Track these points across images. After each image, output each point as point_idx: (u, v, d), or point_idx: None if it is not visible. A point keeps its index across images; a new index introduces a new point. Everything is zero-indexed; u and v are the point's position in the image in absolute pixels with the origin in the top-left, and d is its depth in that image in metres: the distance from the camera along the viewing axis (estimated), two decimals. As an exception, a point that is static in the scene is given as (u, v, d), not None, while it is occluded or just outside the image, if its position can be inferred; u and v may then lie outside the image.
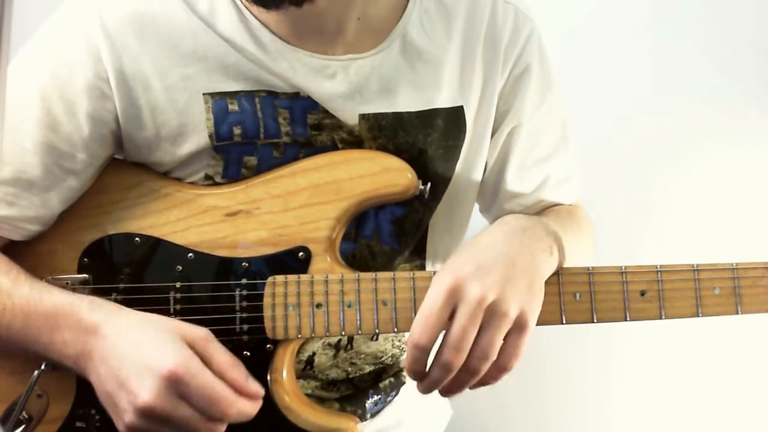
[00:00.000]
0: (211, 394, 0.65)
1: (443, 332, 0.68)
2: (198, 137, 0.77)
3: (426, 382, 0.70)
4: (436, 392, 0.98)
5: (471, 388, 0.71)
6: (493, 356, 0.67)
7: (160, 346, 0.66)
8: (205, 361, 0.66)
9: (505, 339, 0.68)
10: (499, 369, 0.69)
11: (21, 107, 0.75)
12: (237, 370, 0.68)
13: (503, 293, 0.66)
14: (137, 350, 0.66)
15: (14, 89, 0.72)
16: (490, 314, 0.66)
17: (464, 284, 0.66)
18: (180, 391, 0.64)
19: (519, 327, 0.67)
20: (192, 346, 0.67)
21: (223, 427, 0.67)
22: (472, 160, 0.85)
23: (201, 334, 0.68)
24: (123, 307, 0.72)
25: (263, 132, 0.77)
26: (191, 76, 0.75)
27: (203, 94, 0.76)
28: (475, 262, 0.68)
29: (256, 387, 0.68)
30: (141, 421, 0.65)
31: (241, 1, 0.76)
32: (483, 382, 0.70)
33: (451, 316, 0.67)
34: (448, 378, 0.68)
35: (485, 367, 0.68)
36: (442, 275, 0.69)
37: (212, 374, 0.65)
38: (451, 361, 0.67)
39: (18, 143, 0.75)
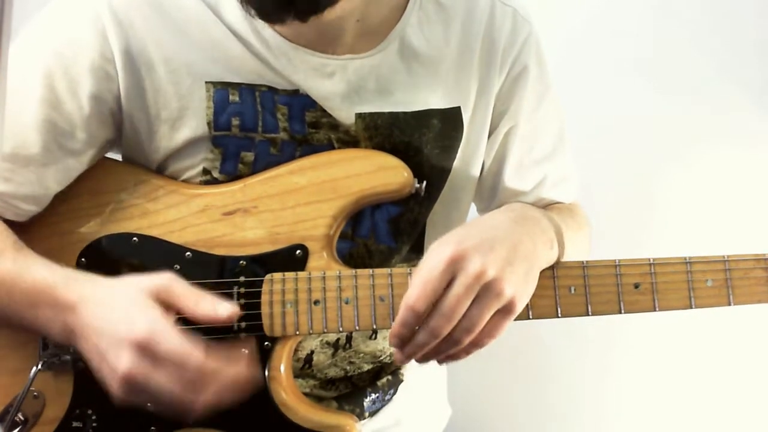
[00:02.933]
0: (179, 353, 0.66)
1: None
2: (196, 124, 0.80)
3: (409, 347, 0.71)
4: (435, 392, 1.02)
5: (440, 363, 0.73)
6: (477, 331, 0.69)
7: (128, 314, 0.68)
8: (174, 309, 0.69)
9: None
10: (473, 344, 0.71)
11: (24, 84, 0.77)
12: (203, 304, 0.68)
13: (502, 273, 0.69)
14: (109, 322, 0.68)
15: (18, 66, 0.75)
16: (486, 290, 0.68)
17: (466, 255, 0.68)
18: (152, 356, 0.66)
19: (506, 310, 0.70)
20: (157, 298, 0.69)
21: (207, 395, 0.67)
22: (469, 160, 0.89)
23: (162, 282, 0.70)
24: (97, 278, 0.73)
25: (261, 126, 0.81)
26: (195, 62, 0.79)
27: (206, 82, 0.79)
28: (479, 237, 0.71)
29: (226, 310, 0.68)
30: (127, 393, 0.67)
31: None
32: (453, 356, 0.72)
33: (448, 286, 0.69)
34: (432, 345, 0.70)
35: (467, 340, 0.70)
36: (445, 244, 0.70)
37: (178, 334, 0.66)
38: (440, 327, 0.69)
39: (19, 119, 0.77)
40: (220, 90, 0.80)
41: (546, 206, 0.93)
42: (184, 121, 0.80)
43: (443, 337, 0.70)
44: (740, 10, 1.35)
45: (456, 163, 0.88)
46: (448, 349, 0.71)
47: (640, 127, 1.37)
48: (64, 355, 0.79)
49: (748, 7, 1.35)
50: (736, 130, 1.35)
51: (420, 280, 0.69)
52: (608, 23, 1.37)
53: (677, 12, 1.36)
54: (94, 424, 0.79)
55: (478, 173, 0.91)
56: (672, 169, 1.37)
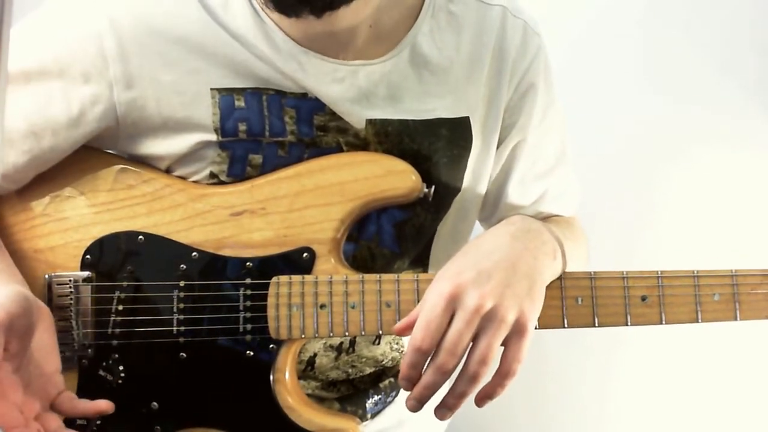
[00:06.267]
0: None
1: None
2: (203, 131, 0.81)
3: (418, 388, 0.74)
4: (437, 393, 1.04)
5: (479, 404, 0.75)
6: (491, 360, 0.72)
7: None
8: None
9: (505, 344, 0.73)
10: (502, 375, 0.74)
11: (18, 82, 0.79)
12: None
13: (501, 299, 0.72)
14: None
15: (16, 66, 0.77)
16: (487, 320, 0.71)
17: (463, 291, 0.72)
18: None
19: (518, 331, 0.73)
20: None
21: None
22: (479, 172, 0.90)
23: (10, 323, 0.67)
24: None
25: (268, 130, 0.82)
26: (199, 70, 0.80)
27: (210, 89, 0.80)
28: (476, 268, 0.73)
29: None
30: None
31: (258, 3, 0.80)
32: (489, 392, 0.74)
33: (450, 321, 0.72)
34: (441, 382, 0.74)
35: (484, 372, 0.73)
36: (443, 280, 0.74)
37: None
38: (445, 363, 0.72)
39: (9, 111, 0.77)
40: (226, 96, 0.80)
41: (544, 219, 0.94)
42: (190, 129, 0.81)
43: (458, 376, 0.73)
44: (738, 10, 1.36)
45: (467, 175, 0.89)
46: (470, 387, 0.73)
47: (638, 127, 1.38)
48: (68, 353, 0.81)
49: (747, 6, 1.36)
50: (734, 131, 1.36)
51: (423, 319, 0.73)
52: (605, 24, 1.38)
53: (676, 12, 1.37)
54: (98, 422, 0.81)
55: (486, 185, 0.92)
56: (671, 170, 1.38)
